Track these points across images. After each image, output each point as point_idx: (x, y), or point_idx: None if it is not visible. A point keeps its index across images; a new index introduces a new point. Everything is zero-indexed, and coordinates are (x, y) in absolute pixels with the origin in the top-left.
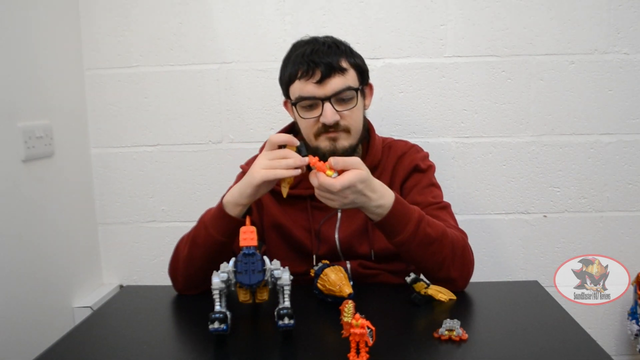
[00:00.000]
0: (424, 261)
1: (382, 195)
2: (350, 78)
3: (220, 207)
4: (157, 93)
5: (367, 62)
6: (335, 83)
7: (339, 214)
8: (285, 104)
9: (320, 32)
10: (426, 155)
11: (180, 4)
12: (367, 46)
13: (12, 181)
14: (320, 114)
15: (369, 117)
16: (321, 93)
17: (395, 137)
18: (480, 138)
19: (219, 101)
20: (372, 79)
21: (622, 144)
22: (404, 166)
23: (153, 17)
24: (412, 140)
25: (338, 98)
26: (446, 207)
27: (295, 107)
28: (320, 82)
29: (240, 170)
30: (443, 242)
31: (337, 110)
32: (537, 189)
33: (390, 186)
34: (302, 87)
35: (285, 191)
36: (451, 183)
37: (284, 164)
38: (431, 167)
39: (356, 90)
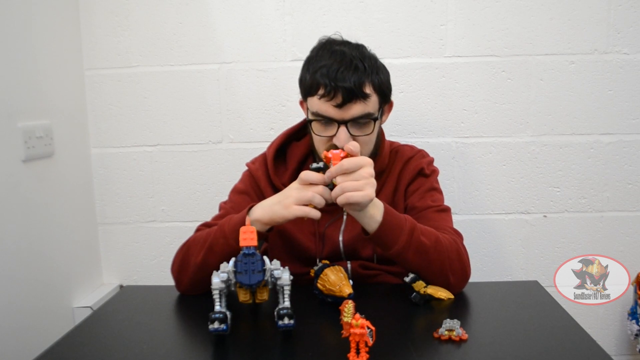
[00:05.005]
0: (422, 269)
1: (374, 205)
2: (370, 104)
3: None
4: (157, 93)
5: None
6: (355, 109)
7: (344, 217)
8: (301, 103)
9: (320, 32)
10: (431, 161)
11: (180, 4)
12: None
13: (12, 181)
14: (335, 134)
15: None
16: (339, 116)
17: (396, 138)
18: (480, 138)
19: (219, 101)
20: None
21: (622, 144)
22: (409, 170)
23: (153, 17)
24: (412, 141)
25: (355, 122)
26: (445, 210)
27: (310, 121)
28: (340, 106)
29: (246, 168)
30: (438, 249)
31: (351, 134)
32: (537, 189)
33: (396, 189)
34: (320, 106)
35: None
36: (451, 183)
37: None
38: (435, 172)
39: (374, 119)
